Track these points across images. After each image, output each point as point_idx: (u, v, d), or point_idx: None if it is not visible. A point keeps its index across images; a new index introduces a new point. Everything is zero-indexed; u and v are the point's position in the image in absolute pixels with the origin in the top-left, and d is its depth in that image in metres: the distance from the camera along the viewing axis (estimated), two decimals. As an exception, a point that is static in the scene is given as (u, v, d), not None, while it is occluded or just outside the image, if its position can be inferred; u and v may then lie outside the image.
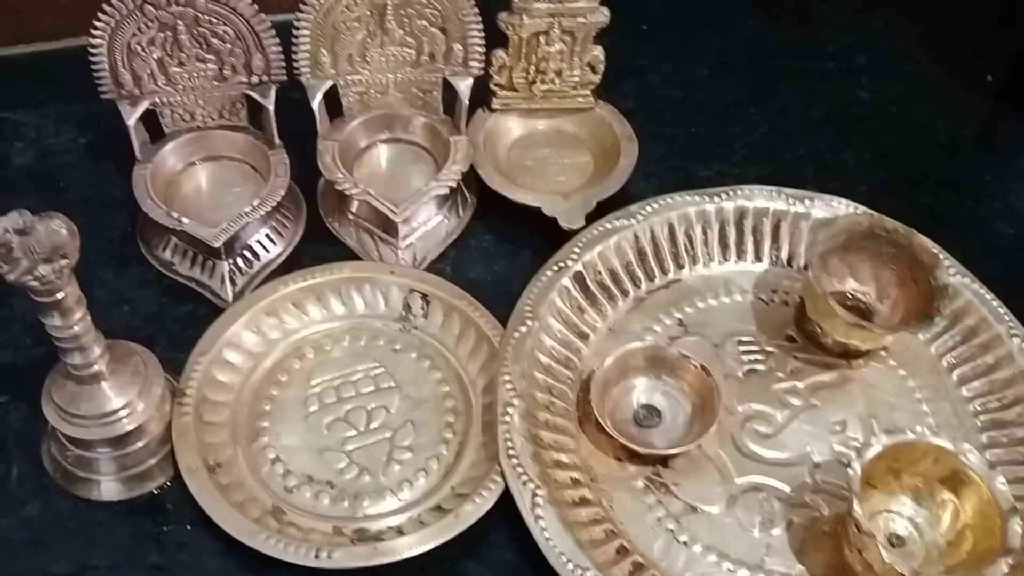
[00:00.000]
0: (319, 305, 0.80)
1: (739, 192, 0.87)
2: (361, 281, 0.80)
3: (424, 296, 0.80)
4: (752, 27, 1.08)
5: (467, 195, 0.89)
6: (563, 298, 0.80)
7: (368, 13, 0.80)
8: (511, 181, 0.88)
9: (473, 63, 0.84)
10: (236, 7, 0.75)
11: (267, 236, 0.83)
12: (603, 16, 0.85)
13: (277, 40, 0.78)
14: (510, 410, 0.72)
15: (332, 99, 0.86)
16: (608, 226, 0.84)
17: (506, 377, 0.74)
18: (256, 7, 0.75)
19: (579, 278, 0.81)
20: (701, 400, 0.75)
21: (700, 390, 0.75)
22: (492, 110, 0.91)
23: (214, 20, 0.76)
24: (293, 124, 0.84)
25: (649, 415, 0.76)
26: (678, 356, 0.76)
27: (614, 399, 0.76)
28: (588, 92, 0.92)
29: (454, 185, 0.83)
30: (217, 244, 0.76)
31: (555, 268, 0.81)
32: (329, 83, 0.84)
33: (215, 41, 0.77)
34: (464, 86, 0.85)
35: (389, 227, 0.82)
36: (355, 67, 0.84)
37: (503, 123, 0.92)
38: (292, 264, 0.83)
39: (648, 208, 0.85)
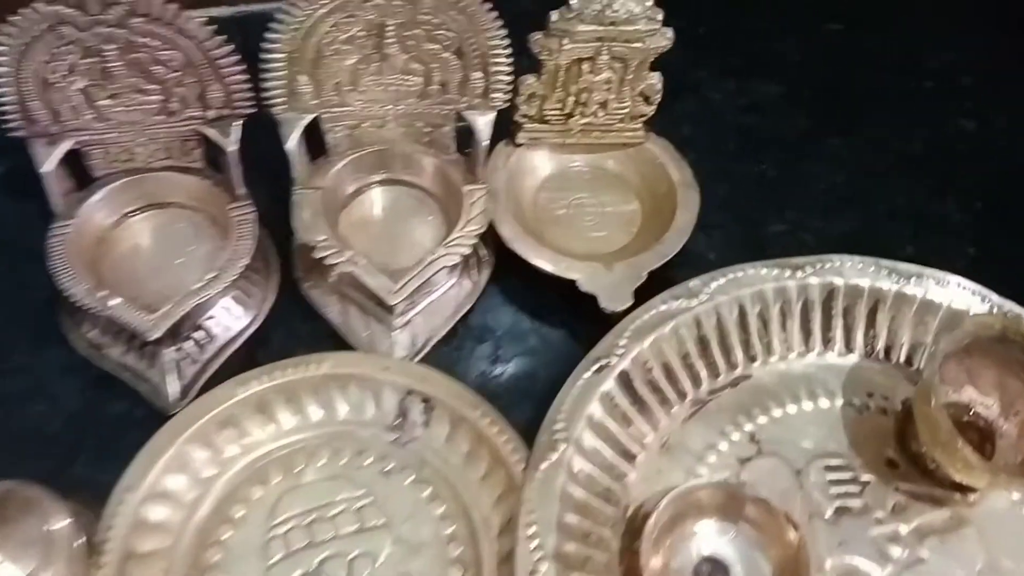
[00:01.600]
0: (290, 409, 0.62)
1: (827, 264, 0.68)
2: (345, 379, 0.62)
3: (426, 400, 0.61)
4: (834, 34, 0.88)
5: (482, 253, 0.70)
6: (605, 407, 0.62)
7: (362, 33, 0.61)
8: (539, 236, 0.69)
9: (496, 95, 0.65)
10: (183, 28, 0.55)
11: (226, 309, 0.64)
12: (665, 40, 0.65)
13: (241, 67, 0.59)
14: (535, 578, 0.54)
15: (313, 132, 0.66)
16: (663, 308, 0.65)
17: (531, 529, 0.56)
18: (211, 28, 0.55)
19: (625, 379, 0.63)
20: (782, 557, 0.57)
21: (781, 544, 0.57)
22: (517, 144, 0.72)
23: (154, 44, 0.56)
24: (263, 151, 0.66)
25: (714, 573, 0.57)
26: (753, 499, 0.57)
27: (669, 550, 0.58)
28: (638, 125, 0.72)
29: (467, 252, 0.64)
30: (154, 336, 0.57)
31: (595, 367, 0.62)
32: (310, 117, 0.64)
33: (157, 69, 0.58)
34: (484, 123, 0.65)
35: (382, 300, 0.63)
36: (344, 97, 0.64)
37: (529, 159, 0.73)
38: (257, 345, 0.65)
39: (713, 284, 0.66)
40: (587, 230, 0.72)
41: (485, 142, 0.66)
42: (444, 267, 0.64)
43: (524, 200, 0.73)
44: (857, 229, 0.75)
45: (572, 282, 0.67)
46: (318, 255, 0.63)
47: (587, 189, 0.74)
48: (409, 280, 0.63)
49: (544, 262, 0.67)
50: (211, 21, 0.59)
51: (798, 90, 0.85)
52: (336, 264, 0.63)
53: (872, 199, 0.78)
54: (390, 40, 0.61)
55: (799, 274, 0.68)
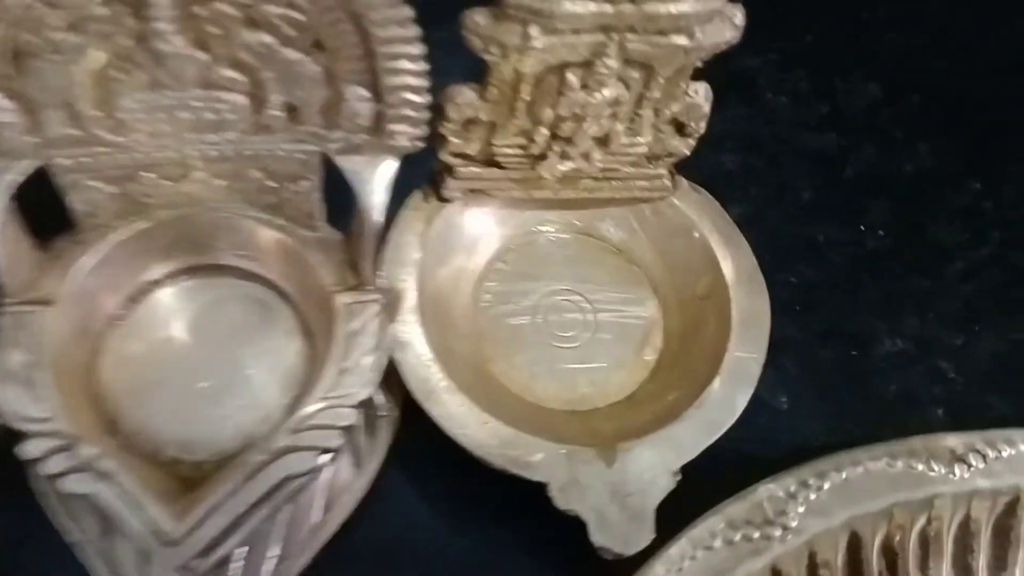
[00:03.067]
0: None
1: (1004, 450, 0.38)
2: None
3: None
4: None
5: (379, 402, 0.39)
6: None
7: (103, 12, 0.28)
8: (478, 371, 0.41)
9: (398, 128, 0.33)
10: None
11: None
12: (731, 30, 0.34)
13: None
14: None
15: (42, 192, 0.34)
16: (716, 546, 0.35)
17: None
18: None
19: None
20: None
21: None
22: (443, 199, 0.40)
23: None
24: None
25: None
26: None
27: None
28: (661, 171, 0.41)
29: (338, 442, 0.33)
30: None
31: None
32: (24, 168, 0.32)
33: None
34: (375, 179, 0.34)
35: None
36: (91, 128, 0.32)
37: (466, 225, 0.43)
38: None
39: (804, 498, 0.36)
40: (567, 358, 0.42)
41: (379, 217, 0.34)
42: (292, 478, 0.33)
43: (456, 300, 0.42)
44: (1020, 345, 0.45)
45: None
46: (29, 454, 0.32)
47: (569, 277, 0.44)
48: (210, 514, 0.32)
49: (485, 442, 0.36)
50: None
51: (905, 90, 0.54)
52: (69, 485, 0.31)
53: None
54: (164, 24, 0.29)
55: (957, 471, 0.38)
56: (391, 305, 0.38)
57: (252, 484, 0.33)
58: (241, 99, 0.33)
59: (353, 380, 0.35)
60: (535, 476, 0.37)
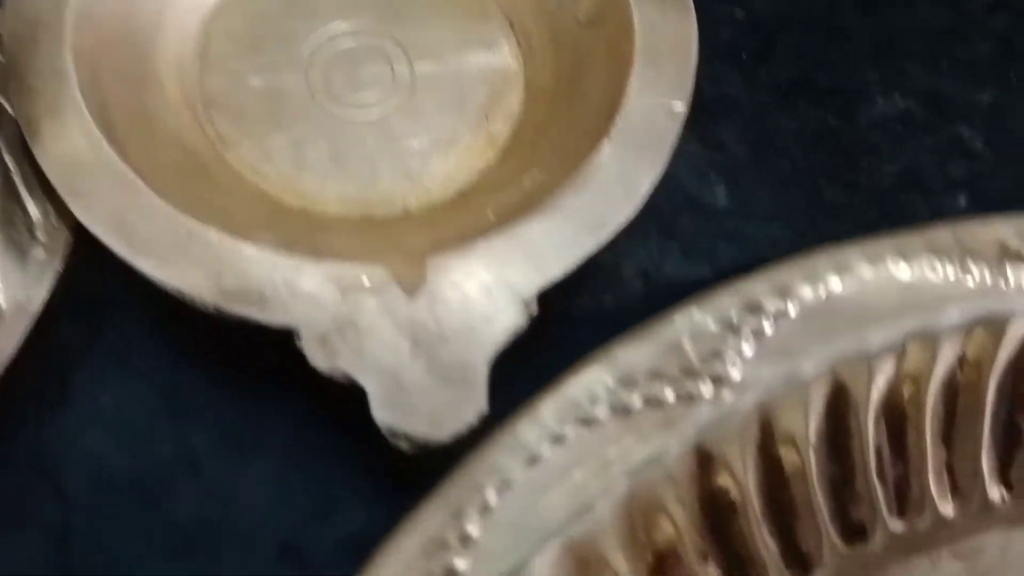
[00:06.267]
0: None
1: None
2: None
3: None
4: None
5: (33, 216, 0.24)
6: None
7: None
8: (205, 174, 0.25)
9: None
10: None
11: None
12: None
13: None
14: None
15: None
16: (598, 415, 0.21)
17: None
18: None
19: None
20: None
21: None
22: None
23: None
24: None
25: None
26: None
27: None
28: None
29: None
30: None
31: None
32: None
33: None
34: None
35: None
36: None
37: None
38: None
39: (755, 330, 0.22)
40: (361, 136, 0.27)
41: None
42: None
43: (164, 45, 0.26)
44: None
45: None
46: None
47: (366, 7, 0.28)
48: None
49: (182, 261, 0.21)
50: None
51: None
52: None
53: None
54: None
55: (1011, 275, 0.23)
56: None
57: None
58: None
59: None
60: (272, 317, 0.21)
